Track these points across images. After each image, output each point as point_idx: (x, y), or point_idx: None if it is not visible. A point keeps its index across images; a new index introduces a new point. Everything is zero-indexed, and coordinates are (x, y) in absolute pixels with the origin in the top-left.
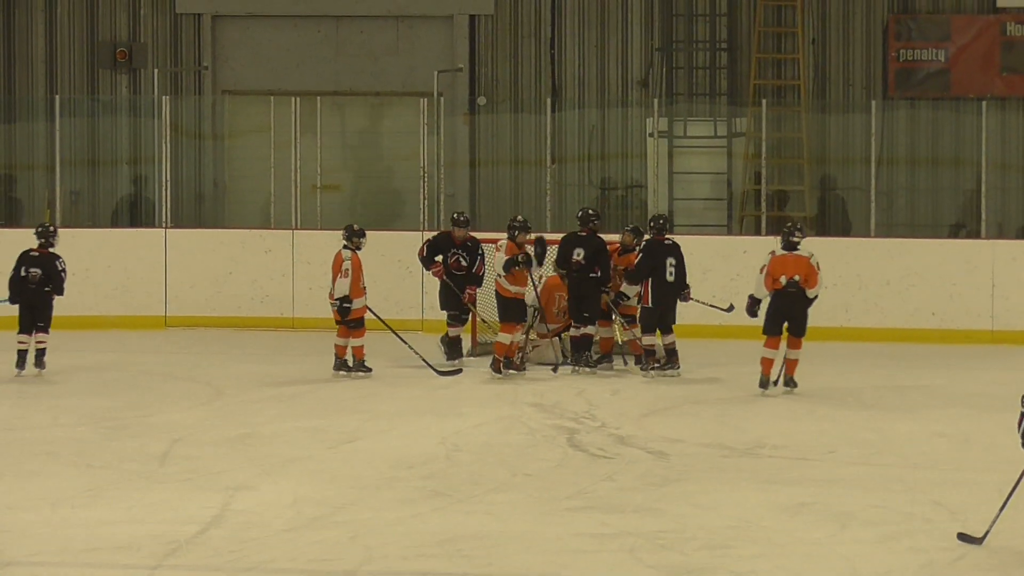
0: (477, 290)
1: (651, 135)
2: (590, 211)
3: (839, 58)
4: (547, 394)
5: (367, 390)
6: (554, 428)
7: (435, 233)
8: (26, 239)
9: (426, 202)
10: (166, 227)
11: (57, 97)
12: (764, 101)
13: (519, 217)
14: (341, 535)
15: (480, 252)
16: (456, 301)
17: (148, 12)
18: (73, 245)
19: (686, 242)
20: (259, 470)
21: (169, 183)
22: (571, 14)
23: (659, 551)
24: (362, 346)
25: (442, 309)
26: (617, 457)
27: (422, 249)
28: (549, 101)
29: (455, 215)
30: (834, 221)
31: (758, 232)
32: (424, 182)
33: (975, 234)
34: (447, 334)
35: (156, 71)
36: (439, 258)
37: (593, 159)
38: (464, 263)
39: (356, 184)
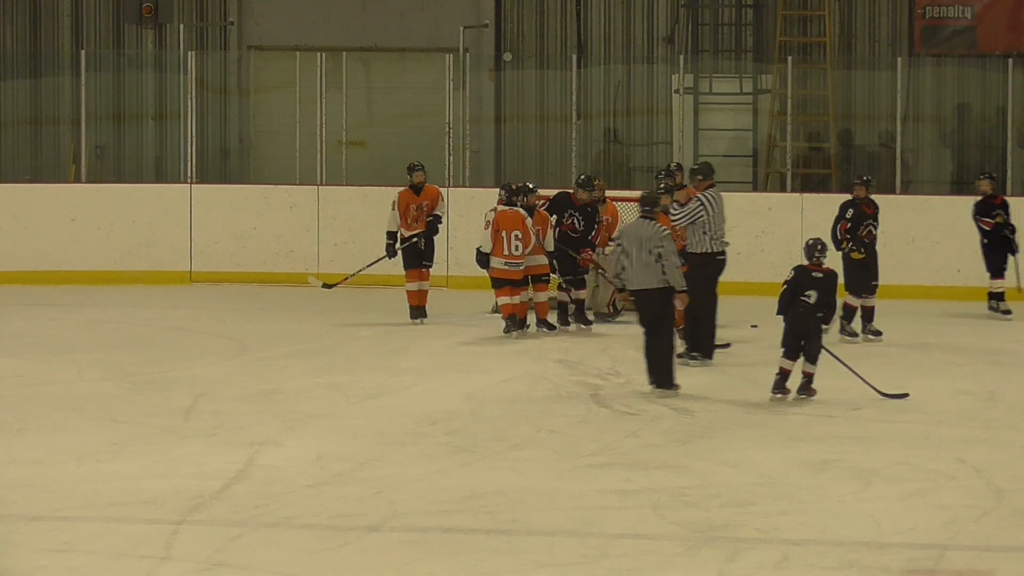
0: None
1: (677, 92)
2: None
3: (865, 14)
4: (571, 351)
5: (392, 345)
6: (578, 384)
7: (556, 192)
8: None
9: (451, 158)
10: (191, 183)
11: (83, 52)
12: (790, 58)
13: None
14: (365, 491)
15: (598, 219)
16: (571, 264)
17: None
18: (98, 200)
19: None
20: (283, 426)
21: (194, 139)
22: None
23: (683, 508)
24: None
25: (560, 275)
26: (641, 414)
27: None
28: (575, 57)
29: (581, 177)
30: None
31: (783, 189)
32: (449, 138)
33: (1000, 190)
34: (557, 300)
35: (182, 26)
36: (554, 218)
37: (619, 116)
38: (579, 227)
39: (381, 140)
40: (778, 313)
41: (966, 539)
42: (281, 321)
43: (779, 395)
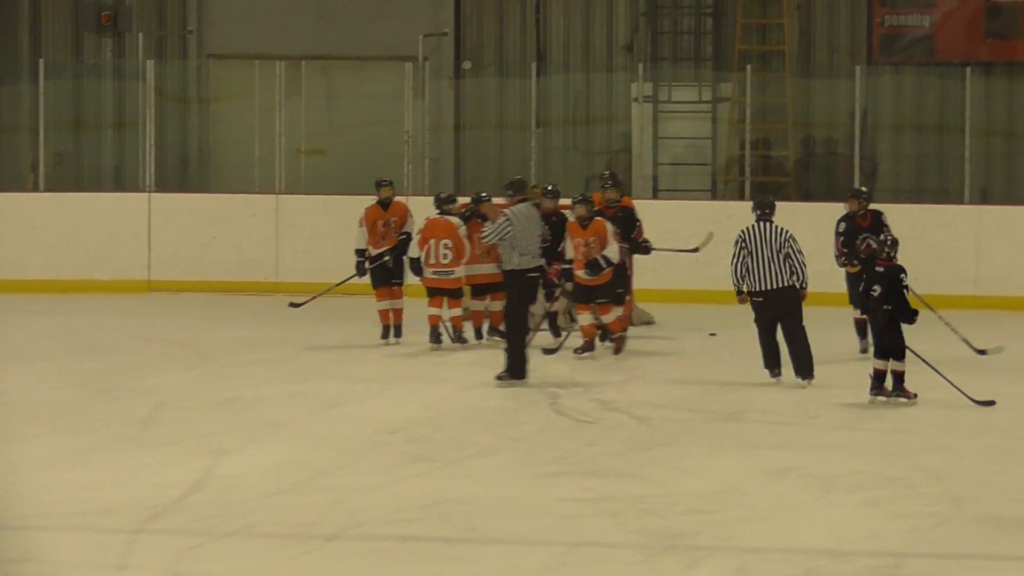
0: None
1: (636, 100)
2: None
3: (824, 23)
4: (530, 360)
5: (352, 354)
6: (537, 393)
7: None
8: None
9: (410, 166)
10: (150, 191)
11: (41, 60)
12: (749, 66)
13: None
14: (324, 499)
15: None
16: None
17: None
18: (57, 209)
19: (671, 207)
20: (243, 434)
21: (154, 147)
22: None
23: (642, 516)
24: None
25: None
26: (600, 422)
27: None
28: (534, 66)
29: (547, 186)
30: (818, 186)
31: (742, 197)
32: (408, 146)
33: (959, 199)
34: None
35: (141, 35)
36: None
37: (578, 124)
38: (547, 237)
39: (341, 148)
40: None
41: (925, 547)
42: (241, 330)
43: (875, 396)
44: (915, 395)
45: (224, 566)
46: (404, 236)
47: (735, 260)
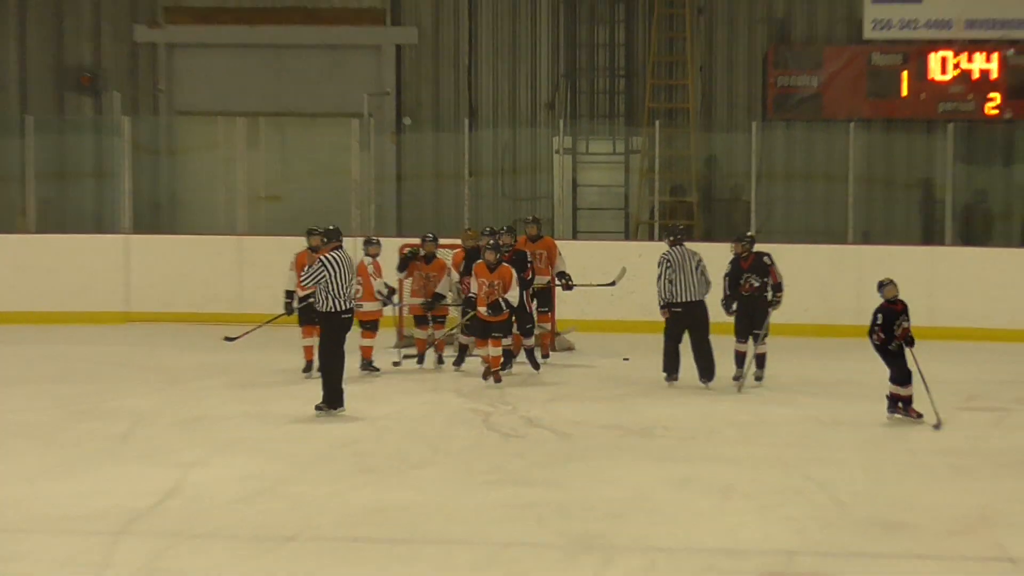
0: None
1: (557, 152)
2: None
3: (724, 83)
4: (464, 381)
5: (307, 380)
6: (471, 412)
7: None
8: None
9: (357, 211)
10: (127, 233)
11: (29, 117)
12: (657, 122)
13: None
14: (282, 506)
15: (528, 260)
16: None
17: (109, 41)
18: (45, 248)
19: (589, 246)
20: (210, 449)
21: (130, 194)
22: (486, 44)
23: (564, 519)
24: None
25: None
26: (527, 437)
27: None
28: (467, 121)
29: (503, 228)
30: (719, 229)
31: (651, 238)
32: (355, 194)
33: (843, 240)
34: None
35: (117, 94)
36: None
37: (506, 173)
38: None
39: (295, 195)
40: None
41: (812, 546)
42: (207, 356)
43: (892, 414)
44: (920, 415)
45: (196, 564)
46: None
47: (661, 279)
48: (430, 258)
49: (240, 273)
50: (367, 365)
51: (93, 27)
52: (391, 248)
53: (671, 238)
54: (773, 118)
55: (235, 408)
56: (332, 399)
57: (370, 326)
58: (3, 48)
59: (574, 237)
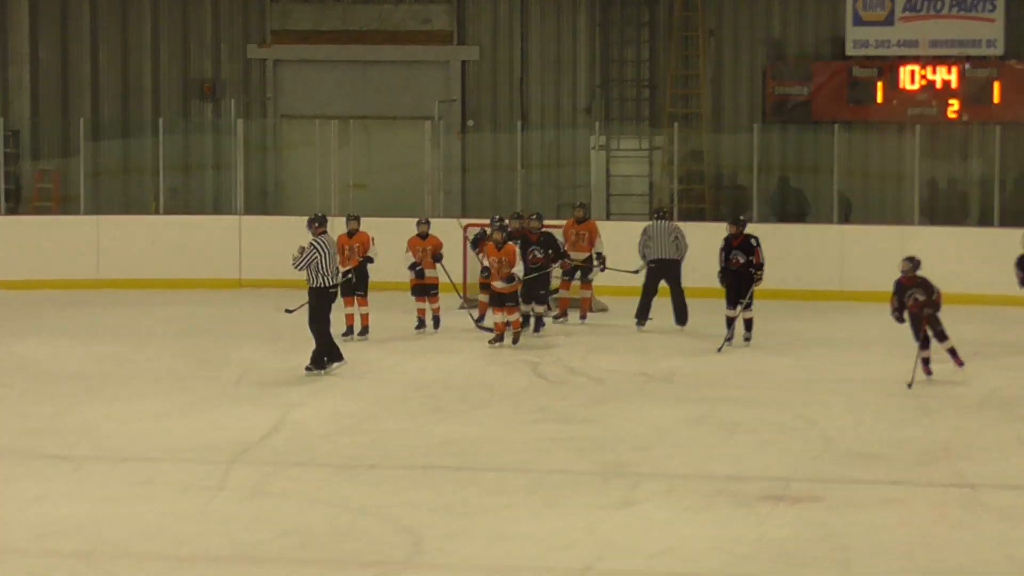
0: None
1: (593, 148)
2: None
3: (730, 92)
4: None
5: (385, 335)
6: (522, 362)
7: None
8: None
9: (429, 197)
10: (240, 215)
11: (160, 119)
12: (676, 124)
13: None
14: (366, 439)
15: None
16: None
17: (227, 57)
18: (172, 227)
19: (619, 227)
20: (307, 392)
21: (242, 183)
22: (535, 60)
23: (598, 451)
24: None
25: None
26: (568, 383)
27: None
28: (519, 123)
29: (532, 214)
30: (726, 212)
31: (671, 219)
32: (427, 183)
33: (828, 220)
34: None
35: (233, 100)
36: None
37: (551, 166)
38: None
39: (378, 184)
40: (897, 321)
41: (805, 474)
42: (302, 315)
43: (929, 376)
44: (930, 372)
45: (294, 487)
46: (366, 259)
47: (640, 243)
48: (500, 244)
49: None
50: (436, 322)
51: (213, 45)
52: (457, 228)
53: (656, 214)
54: (771, 121)
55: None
56: (322, 358)
57: (427, 291)
58: (139, 62)
59: (607, 218)
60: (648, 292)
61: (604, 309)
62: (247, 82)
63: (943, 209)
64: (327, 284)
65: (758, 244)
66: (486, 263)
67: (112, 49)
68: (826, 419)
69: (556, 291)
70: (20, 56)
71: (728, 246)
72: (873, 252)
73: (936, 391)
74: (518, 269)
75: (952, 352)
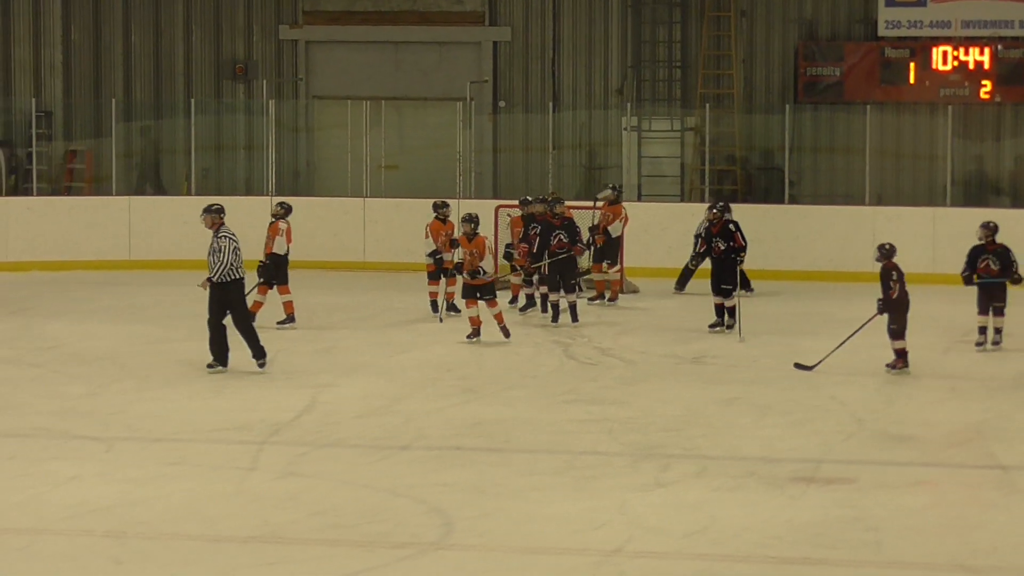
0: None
1: (625, 129)
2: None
3: (762, 73)
4: (549, 317)
5: (419, 315)
6: (553, 343)
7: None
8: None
9: (460, 178)
10: (272, 195)
11: (192, 100)
12: (707, 105)
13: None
14: (397, 420)
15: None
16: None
17: (259, 38)
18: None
19: (650, 208)
20: (338, 373)
21: (274, 163)
22: (567, 41)
23: (629, 432)
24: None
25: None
26: (599, 364)
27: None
28: (551, 104)
29: (552, 197)
30: (757, 193)
31: (702, 200)
32: (459, 164)
33: (861, 202)
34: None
35: (265, 81)
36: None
37: (583, 147)
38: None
39: (409, 165)
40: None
41: (836, 455)
42: (336, 297)
43: (981, 348)
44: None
45: (326, 468)
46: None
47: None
48: (471, 236)
49: (363, 229)
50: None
51: (246, 27)
52: (488, 209)
53: (717, 207)
54: (803, 102)
55: (359, 339)
56: (259, 351)
57: (444, 274)
58: (172, 44)
59: (639, 199)
60: (691, 267)
61: (635, 291)
62: (279, 63)
63: (975, 190)
64: (237, 277)
65: (737, 228)
66: (510, 241)
67: (144, 30)
68: (857, 401)
69: (587, 272)
70: (53, 38)
71: (708, 234)
72: (905, 233)
73: (968, 372)
74: (488, 264)
75: (999, 331)
